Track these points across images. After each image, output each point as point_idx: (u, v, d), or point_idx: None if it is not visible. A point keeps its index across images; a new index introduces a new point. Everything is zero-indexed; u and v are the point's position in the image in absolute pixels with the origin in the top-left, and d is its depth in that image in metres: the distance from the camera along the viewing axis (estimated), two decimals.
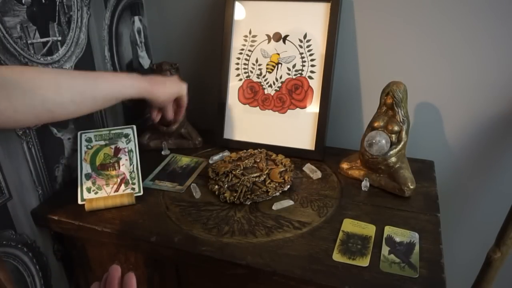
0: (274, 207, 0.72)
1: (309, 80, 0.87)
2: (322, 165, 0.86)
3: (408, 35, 0.84)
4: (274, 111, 0.91)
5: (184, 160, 0.89)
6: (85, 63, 0.81)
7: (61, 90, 0.57)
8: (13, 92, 0.52)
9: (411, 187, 0.74)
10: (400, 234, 0.65)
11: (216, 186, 0.76)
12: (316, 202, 0.74)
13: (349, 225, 0.67)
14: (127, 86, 0.67)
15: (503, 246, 0.77)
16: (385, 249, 0.62)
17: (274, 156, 0.84)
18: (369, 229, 0.66)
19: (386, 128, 0.76)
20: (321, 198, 0.75)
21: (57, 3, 0.73)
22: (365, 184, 0.78)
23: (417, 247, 0.62)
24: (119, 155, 0.79)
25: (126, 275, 0.47)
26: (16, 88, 0.53)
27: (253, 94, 0.92)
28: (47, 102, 0.55)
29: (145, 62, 1.04)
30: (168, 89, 0.76)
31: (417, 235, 0.65)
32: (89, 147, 0.79)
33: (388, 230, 0.66)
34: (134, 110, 1.00)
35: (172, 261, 0.68)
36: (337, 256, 0.60)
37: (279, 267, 0.59)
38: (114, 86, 0.65)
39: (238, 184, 0.75)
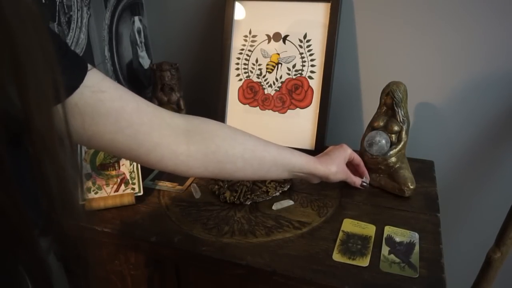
0: (274, 207, 0.72)
1: (309, 80, 0.87)
2: None
3: (408, 35, 0.84)
4: (274, 111, 0.91)
5: None
6: None
7: (235, 143, 0.58)
8: (193, 138, 0.54)
9: (411, 187, 0.74)
10: (400, 234, 0.65)
11: (216, 186, 0.76)
12: (316, 202, 0.74)
13: (349, 225, 0.67)
14: (296, 154, 0.65)
15: (503, 246, 0.77)
16: (385, 249, 0.62)
17: None
18: (369, 229, 0.66)
19: (386, 128, 0.76)
20: (321, 198, 0.75)
21: (57, 3, 0.73)
22: (365, 181, 0.78)
23: (417, 247, 0.62)
24: None
25: None
26: (197, 134, 0.55)
27: (253, 94, 0.92)
28: (219, 152, 0.56)
29: (145, 62, 1.04)
30: (334, 167, 0.70)
31: (417, 235, 0.65)
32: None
33: (388, 230, 0.66)
34: None
35: (172, 261, 0.68)
36: (337, 256, 0.60)
37: (279, 267, 0.59)
38: (282, 152, 0.63)
39: (238, 184, 0.75)
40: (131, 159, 0.61)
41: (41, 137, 0.28)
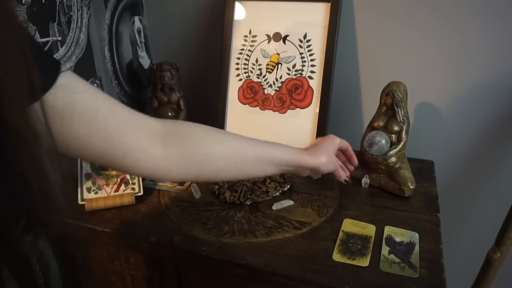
0: (274, 207, 0.72)
1: (309, 80, 0.87)
2: None
3: (408, 35, 0.84)
4: (274, 111, 0.91)
5: None
6: (85, 63, 0.81)
7: (214, 142, 0.56)
8: (170, 140, 0.52)
9: (411, 187, 0.74)
10: (400, 234, 0.65)
11: (216, 186, 0.76)
12: (316, 202, 0.74)
13: (349, 225, 0.67)
14: (282, 148, 0.62)
15: (503, 246, 0.77)
16: (385, 249, 0.62)
17: None
18: (369, 229, 0.66)
19: (386, 128, 0.76)
20: (321, 198, 0.75)
21: (57, 3, 0.73)
22: (365, 181, 0.78)
23: (417, 247, 0.62)
24: None
25: None
26: (174, 136, 0.53)
27: (253, 94, 0.92)
28: (198, 152, 0.54)
29: (145, 62, 1.04)
30: (324, 157, 0.66)
31: (417, 235, 0.65)
32: None
33: (388, 230, 0.66)
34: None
35: (172, 261, 0.68)
36: (337, 256, 0.60)
37: (279, 267, 0.59)
38: (267, 147, 0.60)
39: (238, 184, 0.75)
40: (107, 165, 0.56)
41: (18, 134, 0.28)
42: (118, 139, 0.47)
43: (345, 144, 0.71)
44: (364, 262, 0.59)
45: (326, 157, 0.66)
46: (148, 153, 0.50)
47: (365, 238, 0.64)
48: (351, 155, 0.73)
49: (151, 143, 0.51)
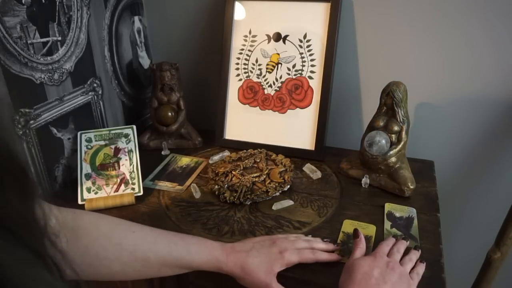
0: (274, 207, 0.72)
1: (309, 80, 0.87)
2: (322, 165, 0.86)
3: (408, 35, 0.84)
4: (274, 111, 0.91)
5: (184, 160, 0.89)
6: (85, 63, 0.81)
7: (108, 243, 0.49)
8: (63, 235, 0.45)
9: (411, 187, 0.74)
10: (399, 210, 0.71)
11: (216, 186, 0.76)
12: (316, 202, 0.74)
13: (349, 226, 0.67)
14: (193, 252, 0.53)
15: (503, 246, 0.77)
16: (387, 224, 0.68)
17: (274, 156, 0.84)
18: (370, 229, 0.66)
19: (386, 128, 0.76)
20: (321, 198, 0.75)
21: (57, 3, 0.73)
22: (365, 181, 0.78)
23: (415, 221, 0.68)
24: (119, 155, 0.79)
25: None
26: (66, 233, 0.46)
27: (253, 94, 0.92)
28: (88, 254, 0.47)
29: (145, 62, 1.04)
30: (254, 264, 0.53)
31: (414, 210, 0.71)
32: (89, 147, 0.79)
33: (388, 207, 0.72)
34: (134, 110, 1.00)
35: None
36: None
37: None
38: (174, 251, 0.52)
39: (238, 184, 0.75)
40: None
41: None
42: None
43: (292, 259, 0.55)
44: None
45: (257, 261, 0.53)
46: None
47: (365, 239, 0.64)
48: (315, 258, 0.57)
49: None
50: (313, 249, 0.58)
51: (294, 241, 0.57)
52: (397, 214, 0.70)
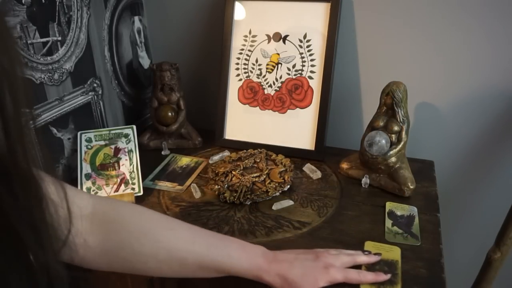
0: (274, 207, 0.72)
1: (309, 80, 0.87)
2: (322, 165, 0.86)
3: (408, 35, 0.84)
4: (274, 111, 0.91)
5: (184, 160, 0.89)
6: (85, 63, 0.81)
7: (145, 239, 0.47)
8: (96, 227, 0.45)
9: (411, 187, 0.74)
10: (400, 209, 0.72)
11: (216, 186, 0.76)
12: (316, 202, 0.74)
13: (371, 248, 0.61)
14: (234, 258, 0.50)
15: (503, 246, 0.77)
16: (388, 222, 0.68)
17: (274, 156, 0.84)
18: (394, 253, 0.60)
19: (386, 128, 0.76)
20: (321, 198, 0.75)
21: (57, 3, 0.73)
22: (365, 181, 0.78)
23: (416, 219, 0.69)
24: (119, 155, 0.79)
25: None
26: (102, 224, 0.46)
27: (253, 94, 0.92)
28: (124, 249, 0.47)
29: (145, 62, 1.04)
30: (298, 275, 0.50)
31: (415, 208, 0.71)
32: (89, 147, 0.79)
33: (389, 205, 0.72)
34: (134, 110, 1.00)
35: None
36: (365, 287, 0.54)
37: None
38: (213, 253, 0.50)
39: (238, 184, 0.75)
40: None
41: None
42: None
43: (337, 277, 0.52)
44: None
45: (301, 273, 0.50)
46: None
47: (391, 264, 0.58)
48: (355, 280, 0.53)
49: (73, 228, 0.43)
50: (356, 263, 0.55)
51: (338, 256, 0.54)
52: (398, 213, 0.70)
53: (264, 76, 0.91)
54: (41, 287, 0.30)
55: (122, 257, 0.47)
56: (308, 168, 0.84)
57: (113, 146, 0.80)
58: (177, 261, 0.49)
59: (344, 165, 0.83)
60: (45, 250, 0.29)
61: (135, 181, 0.76)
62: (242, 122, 0.93)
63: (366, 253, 0.58)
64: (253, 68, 0.91)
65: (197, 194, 0.76)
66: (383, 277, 0.54)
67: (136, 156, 0.79)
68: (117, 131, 0.82)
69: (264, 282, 0.51)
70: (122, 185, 0.75)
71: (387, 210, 0.71)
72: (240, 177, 0.77)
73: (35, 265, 0.29)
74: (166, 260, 0.48)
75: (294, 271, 0.50)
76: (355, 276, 0.53)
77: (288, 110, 0.90)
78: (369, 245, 0.63)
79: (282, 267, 0.51)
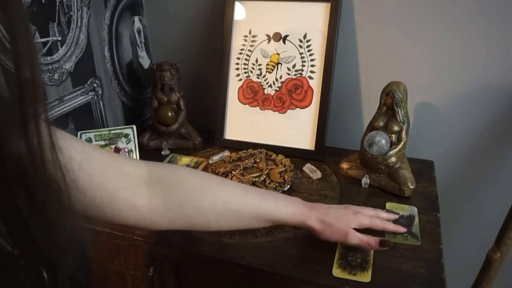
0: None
1: (309, 80, 0.87)
2: (322, 165, 0.86)
3: (408, 35, 0.84)
4: (274, 111, 0.91)
5: (184, 160, 0.89)
6: (85, 63, 0.81)
7: (203, 195, 0.51)
8: (156, 189, 0.49)
9: (411, 187, 0.74)
10: (400, 209, 0.72)
11: None
12: (316, 202, 0.74)
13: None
14: (281, 206, 0.56)
15: (503, 246, 0.77)
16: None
17: (274, 156, 0.84)
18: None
19: (386, 128, 0.76)
20: (321, 198, 0.75)
21: (57, 3, 0.73)
22: (365, 181, 0.78)
23: (416, 219, 0.69)
24: None
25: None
26: (160, 185, 0.49)
27: (253, 94, 0.92)
28: (185, 205, 0.51)
29: (145, 62, 1.04)
30: (333, 217, 0.58)
31: (415, 208, 0.71)
32: None
33: (389, 206, 0.72)
34: (134, 110, 1.00)
35: (172, 261, 0.68)
36: (337, 272, 0.57)
37: (279, 267, 0.59)
38: (264, 204, 0.55)
39: None
40: (85, 213, 0.49)
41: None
42: (95, 189, 0.44)
43: (366, 221, 0.61)
44: (366, 277, 0.56)
45: (336, 217, 0.58)
46: (130, 204, 0.47)
47: (364, 251, 0.61)
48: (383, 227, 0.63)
49: (134, 193, 0.48)
50: (379, 216, 0.64)
51: (364, 208, 0.64)
52: (398, 213, 0.70)
53: (264, 76, 0.91)
54: (47, 282, 0.31)
55: (183, 214, 0.51)
56: (308, 168, 0.84)
57: (113, 146, 0.80)
58: (233, 213, 0.53)
59: (344, 165, 0.83)
60: (53, 243, 0.30)
61: None
62: (242, 122, 0.93)
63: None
64: (253, 68, 0.91)
65: None
66: (402, 229, 0.64)
67: (136, 156, 0.79)
68: (117, 131, 0.82)
69: (306, 226, 0.58)
70: None
71: (387, 210, 0.71)
72: (240, 177, 0.77)
73: (44, 260, 0.30)
74: (224, 213, 0.53)
75: (330, 215, 0.59)
76: (379, 223, 0.62)
77: (288, 110, 0.90)
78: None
79: (320, 212, 0.59)
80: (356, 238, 0.58)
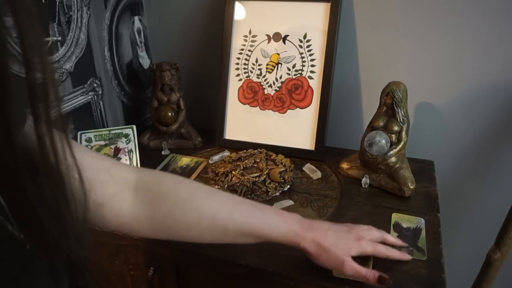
0: (274, 207, 0.72)
1: (309, 80, 0.87)
2: (322, 165, 0.86)
3: (408, 35, 0.84)
4: (274, 111, 0.91)
5: (184, 160, 0.89)
6: (85, 63, 0.81)
7: (188, 209, 0.50)
8: (141, 198, 0.48)
9: (411, 187, 0.74)
10: (406, 220, 0.68)
11: (216, 186, 0.76)
12: (316, 202, 0.74)
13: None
14: (272, 225, 0.52)
15: (503, 246, 0.77)
16: (393, 235, 0.64)
17: (274, 156, 0.84)
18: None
19: (386, 128, 0.76)
20: (321, 198, 0.75)
21: (57, 3, 0.73)
22: (365, 181, 0.78)
23: (423, 232, 0.65)
24: (119, 155, 0.79)
25: None
26: (146, 194, 0.48)
27: (253, 94, 0.92)
28: (168, 217, 0.49)
29: (145, 62, 1.04)
30: (331, 242, 0.53)
31: (422, 220, 0.67)
32: (89, 147, 0.79)
33: (395, 217, 0.69)
34: (134, 110, 1.00)
35: (172, 261, 0.68)
36: (336, 272, 0.56)
37: (279, 268, 0.59)
38: (253, 221, 0.52)
39: (238, 184, 0.75)
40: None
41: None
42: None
43: (376, 236, 0.57)
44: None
45: (335, 242, 0.53)
46: (114, 210, 0.47)
47: (364, 256, 0.58)
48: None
49: (119, 199, 0.47)
50: (385, 240, 0.58)
51: (368, 230, 0.57)
52: (404, 225, 0.67)
53: (264, 76, 0.91)
54: (61, 273, 0.31)
55: (166, 225, 0.50)
56: (308, 168, 0.84)
57: (113, 146, 0.80)
58: (218, 229, 0.51)
59: (344, 165, 0.83)
60: (68, 237, 0.31)
61: None
62: (242, 122, 0.93)
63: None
64: (253, 68, 0.91)
65: None
66: (407, 256, 0.58)
67: (136, 156, 0.79)
68: (117, 131, 0.82)
69: (300, 248, 0.53)
70: None
71: (392, 221, 0.68)
72: (240, 177, 0.77)
73: (58, 252, 0.30)
74: (208, 228, 0.51)
75: (328, 239, 0.53)
76: (383, 250, 0.56)
77: (288, 110, 0.90)
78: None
79: (318, 235, 0.53)
80: (353, 269, 0.52)
